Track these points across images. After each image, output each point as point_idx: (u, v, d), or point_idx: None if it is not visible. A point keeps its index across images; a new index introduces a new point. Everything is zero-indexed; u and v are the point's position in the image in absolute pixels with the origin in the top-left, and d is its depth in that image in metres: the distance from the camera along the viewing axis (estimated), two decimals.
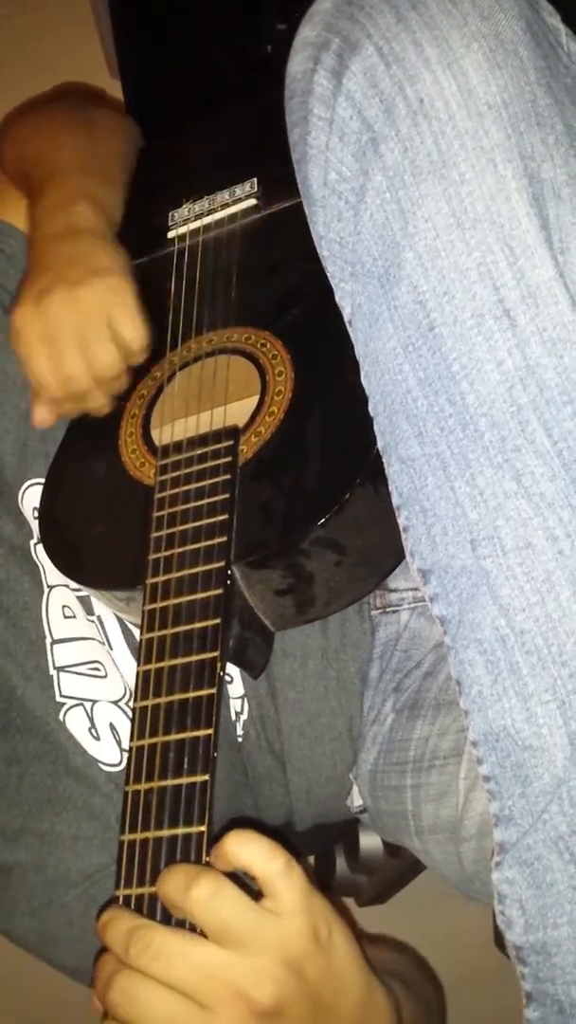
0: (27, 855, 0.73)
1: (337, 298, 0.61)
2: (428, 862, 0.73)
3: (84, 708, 0.74)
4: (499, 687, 0.53)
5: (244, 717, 0.79)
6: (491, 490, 0.53)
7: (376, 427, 0.60)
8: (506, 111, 0.53)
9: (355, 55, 0.56)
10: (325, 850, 0.93)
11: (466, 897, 0.75)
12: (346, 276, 0.59)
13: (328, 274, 0.61)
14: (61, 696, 0.74)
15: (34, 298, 0.72)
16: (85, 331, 0.72)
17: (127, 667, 0.76)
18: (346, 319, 0.61)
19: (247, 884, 0.53)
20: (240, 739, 0.79)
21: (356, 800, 0.84)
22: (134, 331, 0.74)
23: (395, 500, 0.59)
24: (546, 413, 0.52)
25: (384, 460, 0.60)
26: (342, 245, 0.59)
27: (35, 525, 0.77)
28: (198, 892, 0.50)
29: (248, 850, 0.52)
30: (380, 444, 0.60)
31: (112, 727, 0.74)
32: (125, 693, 0.75)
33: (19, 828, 0.73)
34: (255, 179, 0.85)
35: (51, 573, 0.76)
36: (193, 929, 0.52)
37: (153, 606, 0.65)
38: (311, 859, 0.95)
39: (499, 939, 0.55)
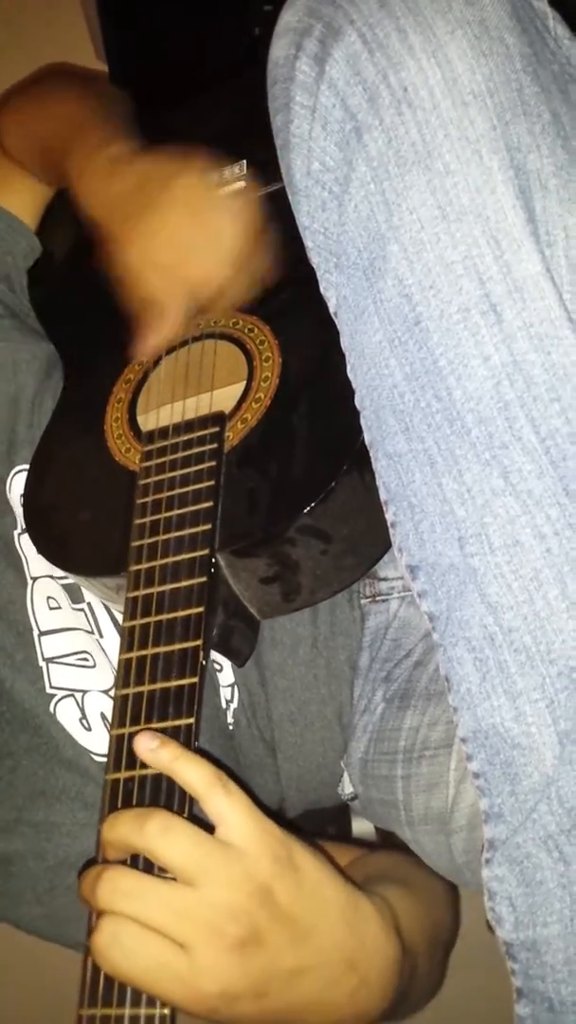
0: (24, 844, 0.73)
1: (322, 289, 0.60)
2: (419, 851, 0.73)
3: (75, 699, 0.74)
4: (488, 685, 0.52)
5: (234, 705, 0.79)
6: (478, 487, 0.53)
7: (363, 421, 0.59)
8: (491, 100, 0.52)
9: (337, 42, 0.55)
10: (316, 835, 0.94)
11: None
12: (331, 267, 0.59)
13: (313, 265, 0.60)
14: (51, 688, 0.74)
15: (132, 231, 0.72)
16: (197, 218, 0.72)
17: (117, 655, 0.76)
18: (331, 311, 0.60)
19: (200, 820, 0.54)
20: (231, 727, 0.79)
21: (347, 787, 0.84)
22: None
23: (382, 495, 0.58)
24: (533, 410, 0.51)
25: (371, 454, 0.59)
26: (326, 236, 0.58)
27: (20, 512, 0.77)
28: (151, 827, 0.52)
29: (189, 768, 0.54)
30: (367, 438, 0.59)
31: (103, 716, 0.74)
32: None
33: (14, 820, 0.73)
34: (244, 161, 0.84)
35: (34, 564, 0.75)
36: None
37: (136, 593, 0.65)
38: None
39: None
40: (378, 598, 0.82)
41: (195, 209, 0.71)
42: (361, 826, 0.91)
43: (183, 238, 0.71)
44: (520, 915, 0.51)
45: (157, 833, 0.52)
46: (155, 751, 0.55)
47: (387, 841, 0.90)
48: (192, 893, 0.52)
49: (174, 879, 0.52)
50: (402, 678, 0.78)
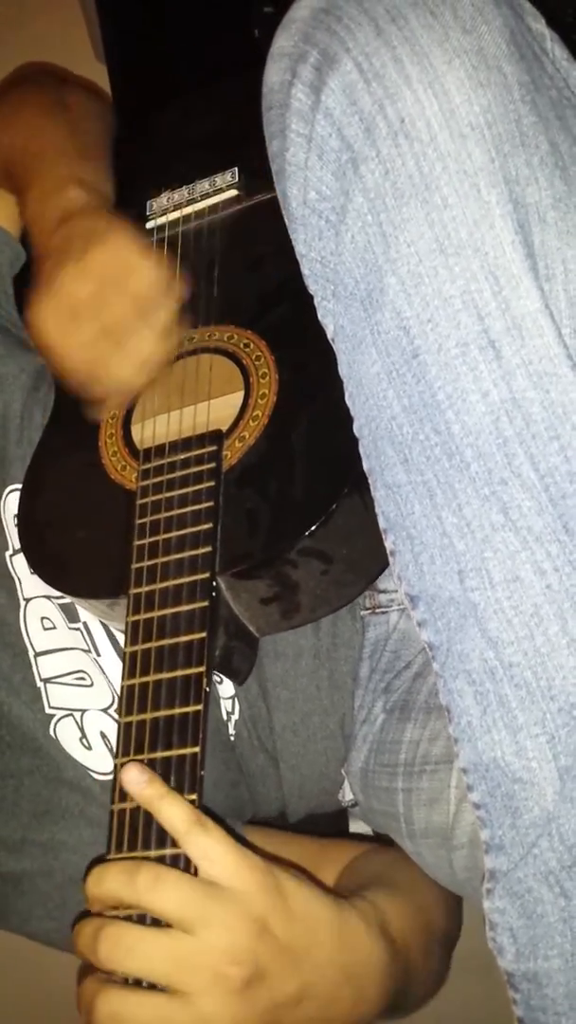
0: (32, 864, 0.74)
1: (320, 316, 0.60)
2: (420, 863, 0.74)
3: (74, 718, 0.74)
4: (488, 719, 0.53)
5: (235, 717, 0.79)
6: (478, 522, 0.52)
7: (361, 448, 0.59)
8: (489, 132, 0.51)
9: (333, 70, 0.54)
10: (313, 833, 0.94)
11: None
12: (328, 295, 0.58)
13: (311, 291, 0.60)
14: (50, 707, 0.74)
15: (44, 286, 0.70)
16: (98, 296, 0.69)
17: (115, 673, 0.76)
18: (329, 337, 0.60)
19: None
20: (232, 738, 0.79)
21: (347, 794, 0.84)
22: (145, 279, 0.70)
23: (381, 523, 0.58)
24: (532, 447, 0.51)
25: (370, 482, 0.59)
26: (324, 264, 0.58)
27: (13, 532, 0.76)
28: (141, 881, 0.53)
29: (171, 808, 0.55)
30: (365, 466, 0.59)
31: (103, 735, 0.74)
32: (113, 700, 0.75)
33: (20, 839, 0.74)
34: (236, 168, 0.83)
35: (27, 586, 0.75)
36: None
37: (137, 618, 0.64)
38: None
39: None
40: (378, 610, 0.82)
41: (100, 277, 0.69)
42: (359, 829, 0.91)
43: (73, 305, 0.69)
44: (521, 947, 0.52)
45: (148, 886, 0.53)
46: (141, 787, 0.55)
47: (381, 839, 0.91)
48: (192, 941, 0.52)
49: (170, 927, 0.53)
50: (402, 689, 0.78)
